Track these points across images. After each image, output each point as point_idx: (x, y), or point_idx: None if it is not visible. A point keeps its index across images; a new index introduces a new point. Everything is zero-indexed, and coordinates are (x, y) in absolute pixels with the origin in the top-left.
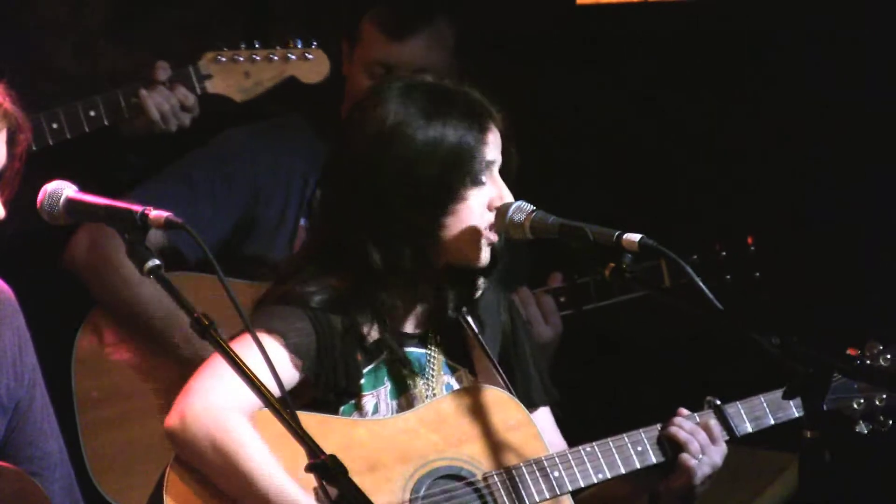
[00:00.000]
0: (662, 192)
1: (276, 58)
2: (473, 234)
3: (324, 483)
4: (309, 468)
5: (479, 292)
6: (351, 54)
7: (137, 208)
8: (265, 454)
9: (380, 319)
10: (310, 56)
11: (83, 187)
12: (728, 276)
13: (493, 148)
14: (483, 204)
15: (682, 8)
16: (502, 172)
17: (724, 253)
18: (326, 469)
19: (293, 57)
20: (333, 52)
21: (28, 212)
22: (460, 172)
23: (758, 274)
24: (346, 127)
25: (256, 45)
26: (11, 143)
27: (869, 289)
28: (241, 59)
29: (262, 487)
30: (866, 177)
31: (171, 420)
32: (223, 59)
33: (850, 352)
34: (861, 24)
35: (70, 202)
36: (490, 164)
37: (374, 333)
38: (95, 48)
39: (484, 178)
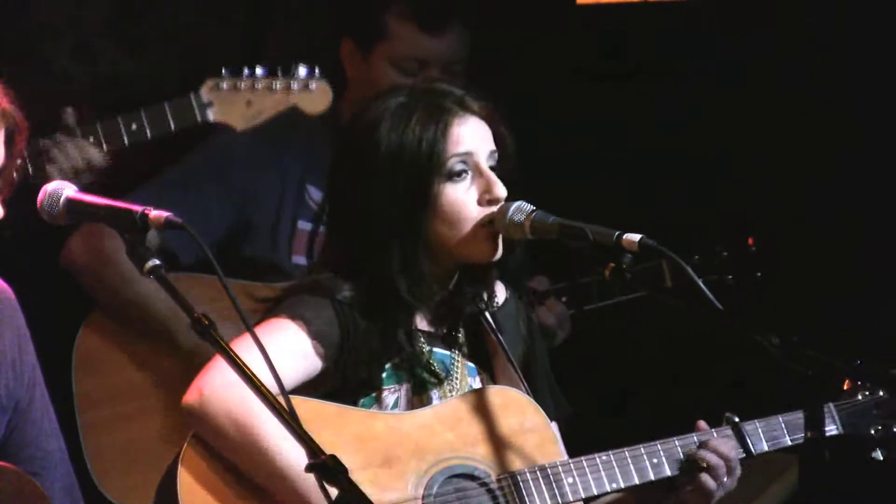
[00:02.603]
0: (663, 192)
1: (278, 87)
2: (468, 229)
3: (324, 483)
4: (309, 468)
5: (499, 295)
6: (368, 52)
7: (137, 208)
8: (284, 431)
9: (402, 322)
10: (312, 87)
11: (83, 187)
12: (729, 277)
13: (467, 139)
14: (470, 198)
15: (681, 8)
16: (500, 162)
17: (726, 253)
18: (326, 468)
19: (295, 87)
20: (332, 52)
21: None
22: (428, 170)
23: (759, 274)
24: (341, 137)
25: (258, 72)
26: (10, 142)
27: (870, 288)
28: (242, 87)
29: (281, 464)
30: (867, 176)
31: (190, 396)
32: (225, 86)
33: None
34: (862, 24)
35: (70, 202)
36: (465, 155)
37: (398, 332)
38: (95, 48)
39: (462, 171)
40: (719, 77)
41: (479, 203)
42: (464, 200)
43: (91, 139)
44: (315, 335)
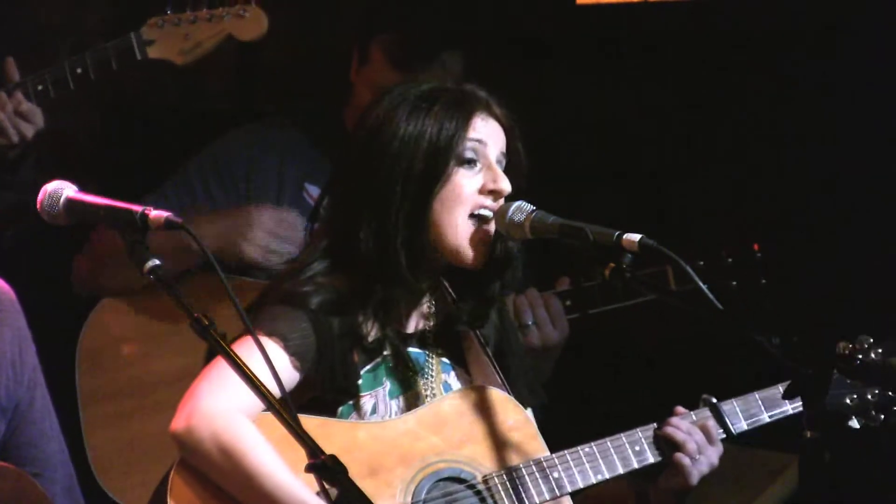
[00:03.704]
0: (667, 197)
1: (212, 18)
2: (462, 218)
3: (324, 483)
4: (309, 468)
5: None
6: (359, 69)
7: (137, 208)
8: (272, 456)
9: (379, 319)
10: (245, 13)
11: (83, 188)
12: (734, 283)
13: (482, 130)
14: (474, 185)
15: (682, 8)
16: (510, 170)
17: (731, 259)
18: (326, 469)
19: (229, 15)
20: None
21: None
22: (444, 155)
23: (764, 280)
24: (351, 133)
25: (203, 9)
26: None
27: (872, 294)
28: (180, 21)
29: (270, 489)
30: (872, 182)
31: (177, 424)
32: (164, 23)
33: (840, 345)
34: (861, 23)
35: (70, 202)
36: (478, 142)
37: (373, 333)
38: (95, 48)
39: (472, 158)
40: (721, 78)
41: (481, 192)
42: (466, 185)
43: (40, 87)
44: (292, 351)
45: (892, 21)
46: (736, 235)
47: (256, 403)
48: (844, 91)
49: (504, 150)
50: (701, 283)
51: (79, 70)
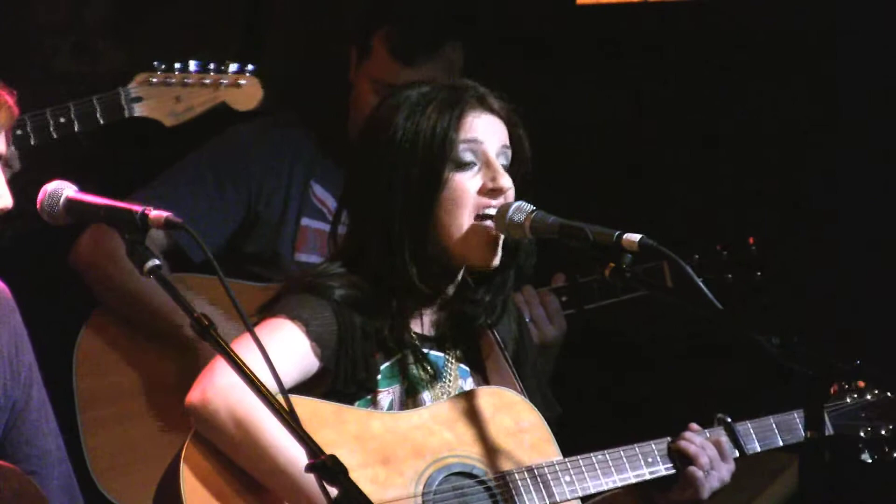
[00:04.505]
0: (663, 192)
1: (208, 82)
2: (465, 221)
3: (324, 483)
4: (309, 468)
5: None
6: (359, 65)
7: (137, 208)
8: (285, 432)
9: (398, 321)
10: (242, 83)
11: (83, 187)
12: (729, 276)
13: (476, 128)
14: (473, 186)
15: (681, 8)
16: (515, 159)
17: (726, 253)
18: (326, 468)
19: (225, 83)
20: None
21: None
22: (440, 156)
23: (759, 274)
24: (358, 137)
25: (192, 68)
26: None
27: (870, 289)
28: (172, 81)
29: (282, 464)
30: (869, 176)
31: (193, 395)
32: (155, 81)
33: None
34: (861, 23)
35: (70, 202)
36: (474, 143)
37: (393, 333)
38: (95, 48)
39: (469, 160)
40: (721, 77)
41: (481, 192)
42: (465, 188)
43: (19, 132)
44: (313, 336)
45: (893, 21)
46: (734, 234)
47: (270, 383)
48: (844, 91)
49: (506, 141)
50: (701, 284)
51: (62, 120)
